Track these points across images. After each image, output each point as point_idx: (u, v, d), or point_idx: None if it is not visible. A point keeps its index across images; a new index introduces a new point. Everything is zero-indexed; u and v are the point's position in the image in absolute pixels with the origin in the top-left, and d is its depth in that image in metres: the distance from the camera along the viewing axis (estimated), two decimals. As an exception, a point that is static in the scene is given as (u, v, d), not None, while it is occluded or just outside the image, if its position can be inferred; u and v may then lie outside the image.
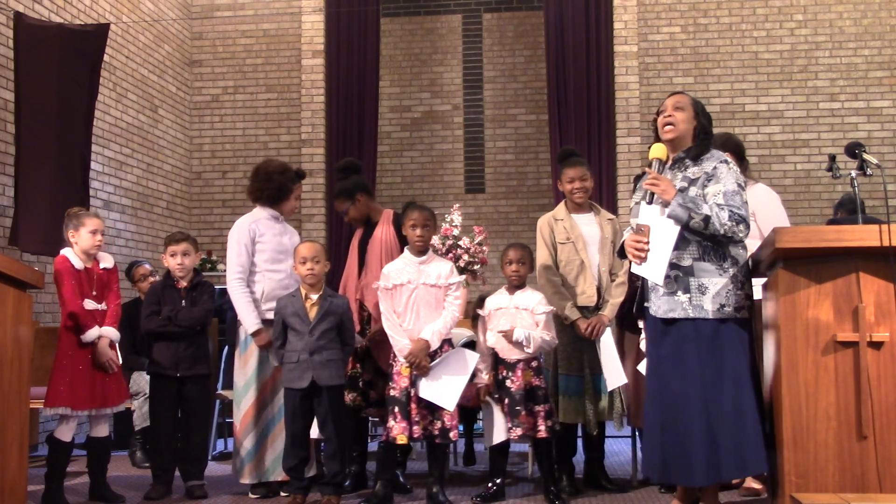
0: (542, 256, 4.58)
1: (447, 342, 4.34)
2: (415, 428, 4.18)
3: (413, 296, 4.27)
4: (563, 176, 4.64)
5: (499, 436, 4.35)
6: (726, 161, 3.62)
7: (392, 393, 4.25)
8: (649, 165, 3.66)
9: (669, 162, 3.68)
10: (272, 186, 4.70)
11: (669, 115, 3.65)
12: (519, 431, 4.29)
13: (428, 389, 4.18)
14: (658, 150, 3.64)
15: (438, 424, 4.19)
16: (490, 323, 4.45)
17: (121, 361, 4.67)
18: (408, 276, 4.29)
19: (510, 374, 4.33)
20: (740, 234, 3.51)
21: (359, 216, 4.84)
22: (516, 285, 4.44)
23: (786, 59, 8.69)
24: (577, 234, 4.55)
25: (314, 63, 8.90)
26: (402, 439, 4.17)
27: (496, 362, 4.40)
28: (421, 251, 4.34)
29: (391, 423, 4.21)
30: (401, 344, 4.22)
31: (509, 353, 4.35)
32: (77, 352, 4.37)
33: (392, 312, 4.28)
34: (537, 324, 4.34)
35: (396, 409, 4.20)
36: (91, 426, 4.50)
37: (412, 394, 4.19)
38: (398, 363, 4.25)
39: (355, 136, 8.76)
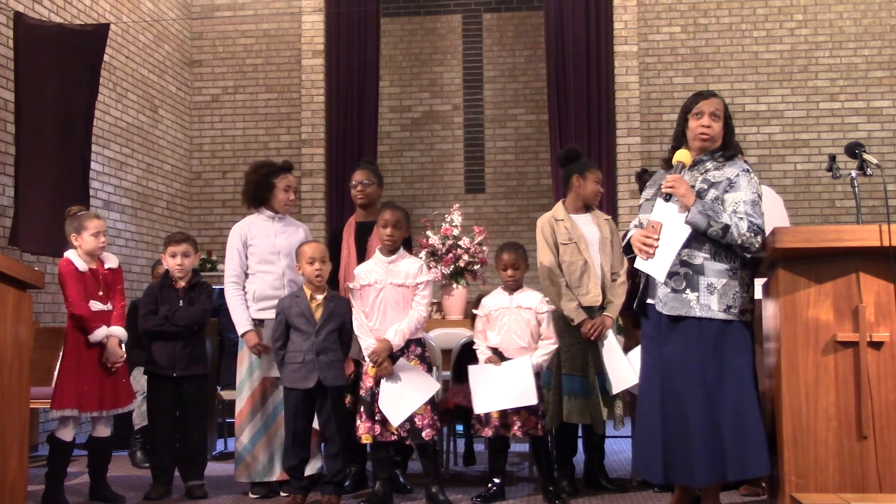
0: (545, 257, 4.56)
1: (415, 342, 4.32)
2: (376, 427, 4.17)
3: (380, 296, 4.28)
4: (588, 176, 4.61)
5: (491, 404, 4.27)
6: (748, 170, 3.63)
7: (361, 393, 4.27)
8: (671, 166, 3.66)
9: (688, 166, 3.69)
10: (250, 187, 4.71)
11: (708, 126, 3.64)
12: (520, 429, 4.28)
13: (386, 398, 4.16)
14: (683, 156, 3.64)
15: (407, 425, 4.17)
16: (491, 323, 4.44)
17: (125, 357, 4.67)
18: (376, 276, 4.30)
19: None
20: (756, 246, 3.50)
21: (368, 201, 4.79)
22: (514, 288, 4.44)
23: (786, 59, 8.69)
24: (578, 235, 4.55)
25: (314, 63, 8.89)
26: (366, 439, 4.19)
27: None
28: (390, 251, 4.34)
29: (358, 422, 4.23)
30: (366, 343, 4.23)
31: (515, 353, 4.34)
32: (84, 353, 4.36)
33: (360, 312, 4.29)
34: (540, 322, 4.34)
35: (363, 409, 4.22)
36: (93, 426, 4.49)
37: (377, 394, 4.19)
38: (366, 363, 4.26)
39: (355, 136, 8.75)
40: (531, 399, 4.21)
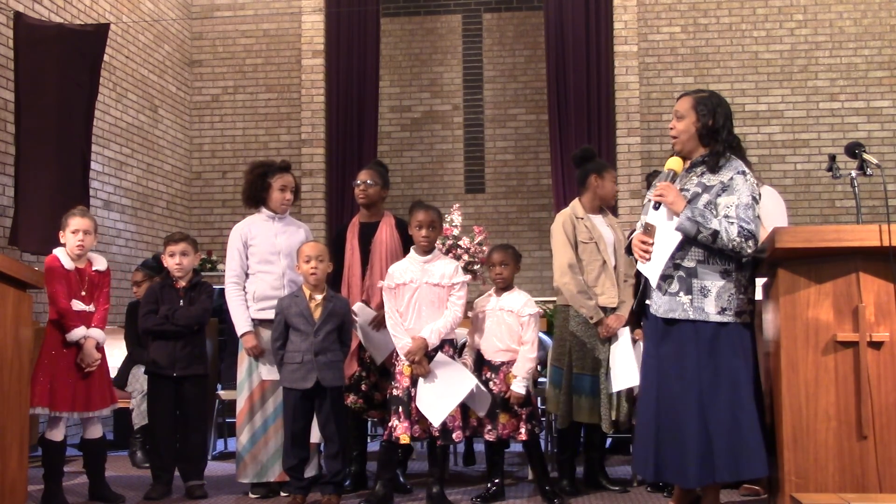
0: (566, 255, 4.50)
1: (448, 342, 4.33)
2: (415, 427, 4.18)
3: (416, 295, 4.28)
4: (606, 176, 4.64)
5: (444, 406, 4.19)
6: (743, 172, 3.56)
7: (395, 392, 4.26)
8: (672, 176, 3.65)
9: (682, 172, 3.67)
10: (247, 187, 4.73)
11: (672, 128, 3.65)
12: (493, 435, 4.31)
13: (423, 398, 4.16)
14: (674, 163, 3.63)
15: (440, 425, 4.17)
16: (476, 324, 4.47)
17: (120, 359, 4.63)
18: (411, 275, 4.30)
19: (494, 376, 4.35)
20: (747, 251, 3.46)
21: (369, 201, 4.76)
22: (502, 287, 4.46)
23: (786, 59, 8.69)
24: (598, 235, 4.55)
25: (314, 63, 8.89)
26: (404, 439, 4.18)
27: (480, 363, 4.43)
28: (426, 251, 4.35)
29: (394, 422, 4.21)
30: (402, 342, 4.22)
31: (494, 356, 4.39)
32: (60, 352, 4.31)
33: (395, 311, 4.29)
34: (522, 325, 4.36)
35: (399, 409, 4.20)
36: (84, 428, 4.47)
37: (413, 393, 4.19)
38: (400, 362, 4.26)
39: (355, 136, 8.75)
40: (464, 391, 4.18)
